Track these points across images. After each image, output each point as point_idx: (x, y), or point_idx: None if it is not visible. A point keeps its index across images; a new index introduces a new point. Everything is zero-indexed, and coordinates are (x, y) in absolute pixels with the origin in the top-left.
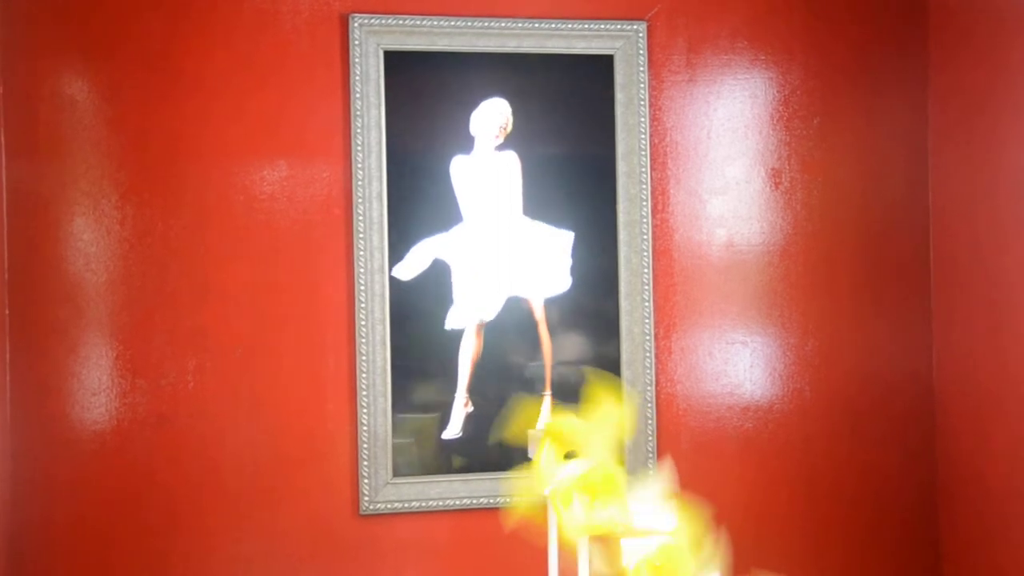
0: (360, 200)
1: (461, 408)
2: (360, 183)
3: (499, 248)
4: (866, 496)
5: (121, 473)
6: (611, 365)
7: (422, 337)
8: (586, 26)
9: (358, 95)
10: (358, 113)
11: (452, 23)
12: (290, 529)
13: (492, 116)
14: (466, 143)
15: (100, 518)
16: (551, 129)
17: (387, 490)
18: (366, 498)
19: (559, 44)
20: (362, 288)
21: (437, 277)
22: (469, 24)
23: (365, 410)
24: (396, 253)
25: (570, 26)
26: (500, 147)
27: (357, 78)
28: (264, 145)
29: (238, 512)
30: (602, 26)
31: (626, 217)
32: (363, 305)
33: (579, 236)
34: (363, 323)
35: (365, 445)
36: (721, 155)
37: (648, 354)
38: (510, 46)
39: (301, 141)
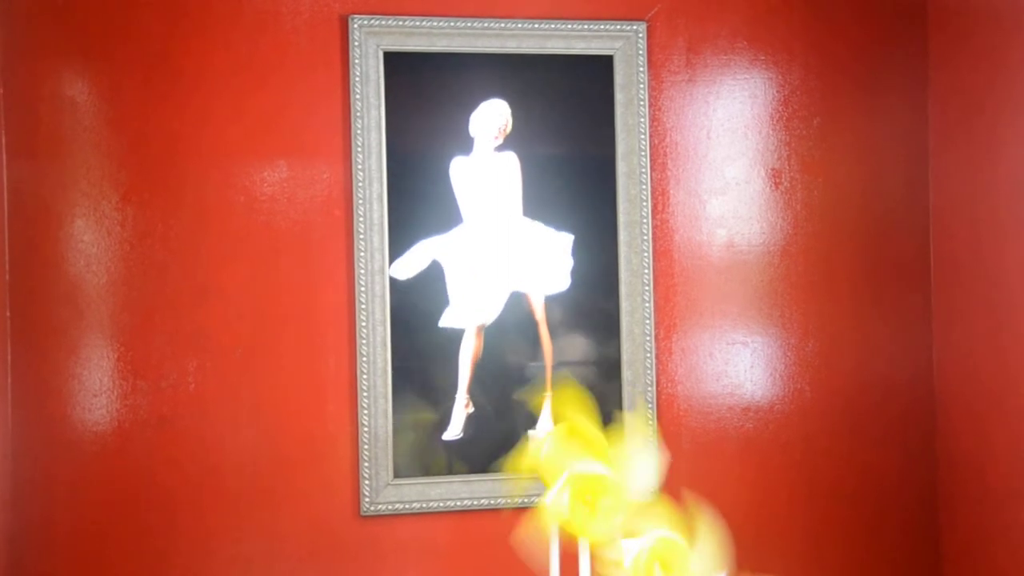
0: (360, 201)
1: (462, 409)
2: (360, 184)
3: (499, 249)
4: (866, 496)
5: (121, 474)
6: (612, 366)
7: (422, 338)
8: (586, 26)
9: (358, 96)
10: (358, 114)
11: (452, 24)
12: (291, 530)
13: (492, 117)
14: (466, 144)
15: (100, 519)
16: (551, 130)
17: (388, 491)
18: (367, 499)
19: (559, 44)
20: (362, 289)
21: (437, 278)
22: (469, 25)
23: (366, 411)
24: (396, 254)
25: (570, 26)
26: (500, 148)
27: (357, 79)
28: (264, 146)
29: (238, 513)
30: (602, 26)
31: (626, 217)
32: (363, 306)
33: (579, 237)
34: (363, 324)
35: (366, 446)
36: (721, 155)
37: (648, 354)
38: (510, 47)
39: (301, 142)
